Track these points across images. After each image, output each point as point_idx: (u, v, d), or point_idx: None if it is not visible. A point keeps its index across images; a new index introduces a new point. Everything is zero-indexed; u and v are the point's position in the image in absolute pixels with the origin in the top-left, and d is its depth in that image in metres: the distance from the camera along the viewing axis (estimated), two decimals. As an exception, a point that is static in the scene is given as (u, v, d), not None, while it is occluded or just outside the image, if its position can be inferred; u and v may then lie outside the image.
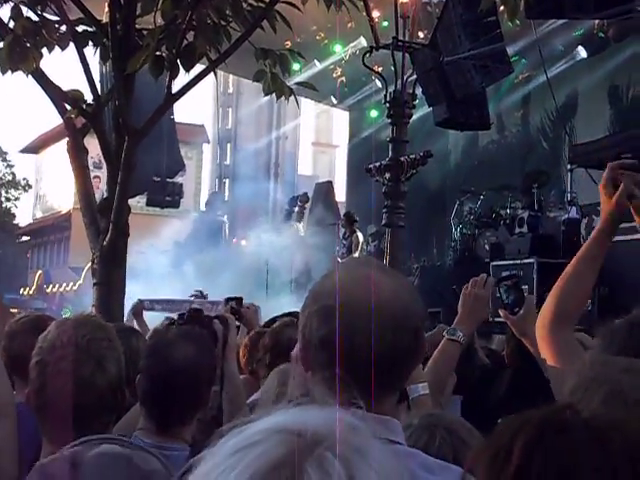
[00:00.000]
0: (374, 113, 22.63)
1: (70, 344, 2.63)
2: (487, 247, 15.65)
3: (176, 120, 21.59)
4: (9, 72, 7.12)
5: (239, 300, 5.65)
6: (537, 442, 1.18)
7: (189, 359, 3.20)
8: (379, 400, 1.97)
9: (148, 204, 23.14)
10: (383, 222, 7.27)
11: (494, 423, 2.61)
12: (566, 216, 13.91)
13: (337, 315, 1.92)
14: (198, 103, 45.19)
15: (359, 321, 1.91)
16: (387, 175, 7.20)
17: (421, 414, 2.71)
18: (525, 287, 12.56)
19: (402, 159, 7.12)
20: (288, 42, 14.42)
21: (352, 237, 16.63)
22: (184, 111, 44.43)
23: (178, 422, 3.09)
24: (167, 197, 22.42)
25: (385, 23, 15.24)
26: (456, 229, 16.79)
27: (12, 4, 7.26)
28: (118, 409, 2.75)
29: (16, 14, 7.18)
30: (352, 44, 20.04)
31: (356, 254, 16.38)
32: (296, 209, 27.10)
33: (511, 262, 13.30)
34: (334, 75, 21.28)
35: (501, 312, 3.69)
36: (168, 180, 22.06)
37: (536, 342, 3.57)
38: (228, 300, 5.64)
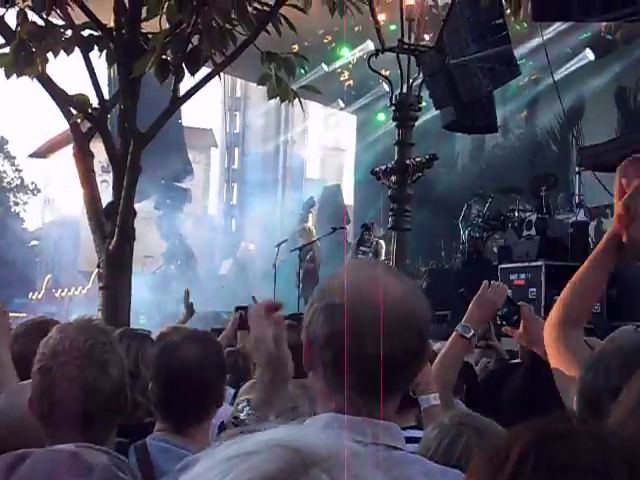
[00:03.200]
0: (381, 116, 22.61)
1: (73, 349, 2.62)
2: (495, 250, 15.62)
3: (184, 124, 21.66)
4: (15, 77, 7.13)
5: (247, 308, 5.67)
6: (535, 444, 1.17)
7: (196, 359, 3.25)
8: (380, 405, 1.95)
9: (156, 207, 23.19)
10: (389, 225, 7.26)
11: (508, 418, 2.60)
12: (574, 219, 13.88)
13: (344, 313, 1.90)
14: (206, 107, 45.30)
15: (365, 321, 1.89)
16: (393, 178, 7.19)
17: (454, 413, 2.71)
18: (533, 290, 12.56)
19: (408, 162, 7.10)
20: (295, 46, 14.46)
21: (377, 245, 16.71)
22: (192, 115, 44.48)
23: (193, 420, 3.14)
24: (174, 201, 22.50)
25: (393, 27, 15.26)
26: (464, 232, 16.77)
27: (18, 9, 7.26)
28: (122, 413, 2.75)
29: (22, 18, 7.19)
30: (359, 47, 20.04)
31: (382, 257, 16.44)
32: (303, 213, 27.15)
33: (519, 265, 13.28)
34: (341, 79, 21.28)
35: (504, 329, 3.70)
36: (175, 184, 22.13)
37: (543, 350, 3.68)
38: (237, 309, 5.67)
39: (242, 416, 2.21)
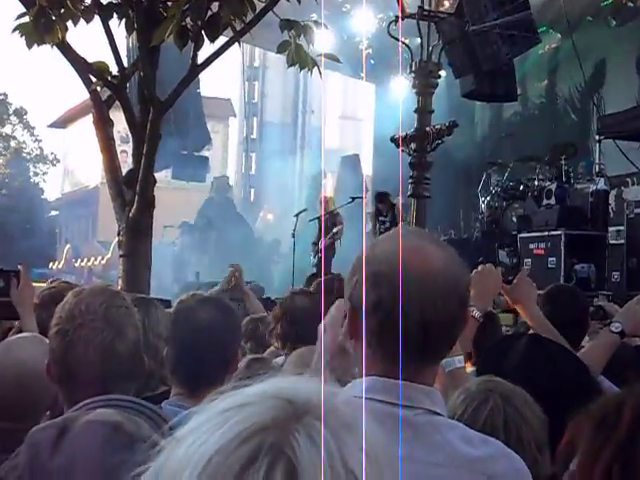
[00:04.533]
0: (400, 84, 22.48)
1: (89, 312, 2.62)
2: (514, 219, 15.58)
3: (202, 94, 21.61)
4: (35, 46, 7.13)
5: None
6: None
7: (212, 320, 3.27)
8: (422, 369, 2.00)
9: (173, 177, 23.19)
10: (409, 193, 7.24)
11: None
12: (594, 187, 13.82)
13: (388, 280, 1.93)
14: (224, 77, 45.21)
15: (409, 288, 1.92)
16: (413, 145, 7.16)
17: (481, 379, 2.73)
18: (553, 259, 12.54)
19: (428, 129, 7.07)
20: (314, 15, 14.38)
21: (393, 211, 16.60)
22: (210, 85, 44.45)
23: (207, 383, 3.15)
24: (193, 171, 22.48)
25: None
26: (483, 201, 16.71)
27: (37, -24, 7.25)
28: (137, 376, 2.76)
29: (41, -15, 7.18)
30: (378, 16, 19.91)
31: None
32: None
33: (539, 234, 13.25)
34: (360, 47, 21.16)
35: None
36: (195, 154, 22.10)
37: (527, 309, 3.93)
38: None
39: None
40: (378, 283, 1.95)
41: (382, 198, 17.31)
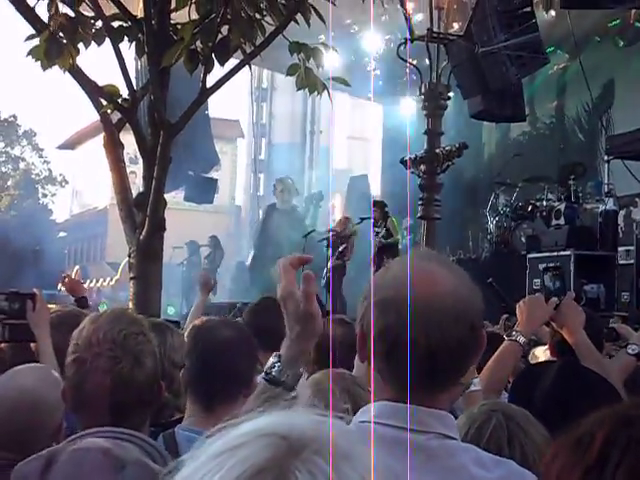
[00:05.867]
0: (408, 106, 22.54)
1: (107, 340, 2.61)
2: (523, 239, 15.57)
3: (210, 115, 21.65)
4: (47, 68, 7.17)
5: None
6: (621, 428, 1.18)
7: (229, 339, 3.30)
8: (434, 395, 1.99)
9: (185, 199, 23.19)
10: (419, 214, 7.23)
11: (542, 416, 2.62)
12: (603, 208, 13.81)
13: (396, 307, 1.94)
14: (232, 98, 45.32)
15: (416, 314, 1.92)
16: (422, 167, 7.17)
17: (484, 403, 2.73)
18: (560, 266, 12.52)
19: (437, 151, 7.07)
20: (322, 36, 14.44)
21: (386, 222, 16.51)
22: (219, 106, 44.57)
23: (222, 401, 3.17)
24: (201, 193, 22.47)
25: (419, 16, 15.19)
26: (492, 221, 16.70)
27: (48, 0, 7.30)
28: (155, 403, 2.76)
29: (52, 10, 7.23)
30: (386, 37, 19.98)
31: (397, 237, 16.28)
32: (311, 208, 27.11)
33: (548, 254, 13.23)
34: (368, 69, 21.23)
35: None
36: (203, 175, 22.11)
37: (572, 334, 3.85)
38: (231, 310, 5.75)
39: (274, 372, 2.21)
40: (386, 309, 1.96)
41: (375, 203, 17.21)
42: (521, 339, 3.68)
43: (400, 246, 16.77)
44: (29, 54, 7.12)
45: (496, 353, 3.60)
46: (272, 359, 2.24)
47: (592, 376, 3.24)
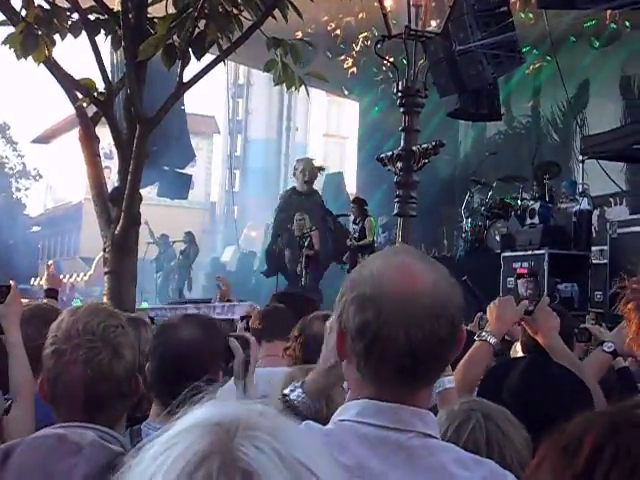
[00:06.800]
0: (385, 103, 22.58)
1: (86, 332, 2.61)
2: (498, 238, 15.62)
3: (187, 111, 21.60)
4: (21, 60, 7.11)
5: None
6: (610, 434, 1.17)
7: (194, 338, 3.26)
8: (415, 391, 1.96)
9: (159, 195, 23.14)
10: (395, 212, 7.22)
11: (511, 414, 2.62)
12: (577, 207, 13.88)
13: (374, 303, 1.91)
14: (209, 94, 45.25)
15: (395, 310, 1.89)
16: (399, 165, 7.16)
17: (463, 401, 2.72)
18: (536, 271, 12.57)
19: (414, 148, 7.08)
20: (299, 32, 14.42)
21: (364, 221, 16.47)
22: (195, 102, 44.51)
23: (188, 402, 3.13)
24: (176, 188, 22.43)
25: (396, 13, 15.16)
26: (467, 220, 16.76)
27: (24, -8, 7.25)
28: (133, 396, 2.75)
29: (28, 2, 7.18)
30: (363, 35, 19.98)
31: (370, 238, 16.25)
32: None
33: (522, 253, 13.28)
34: (345, 66, 21.23)
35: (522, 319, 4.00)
36: (177, 171, 22.06)
37: (546, 339, 3.90)
38: (242, 318, 5.72)
39: (292, 396, 2.19)
40: (364, 306, 1.92)
41: (354, 200, 17.15)
42: (492, 339, 3.69)
43: (376, 245, 16.77)
44: (4, 43, 7.07)
45: (467, 354, 3.61)
46: (295, 383, 2.21)
47: (559, 373, 3.26)
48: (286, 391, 2.20)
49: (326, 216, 18.25)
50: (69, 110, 8.06)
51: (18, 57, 7.05)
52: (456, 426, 2.53)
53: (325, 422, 2.01)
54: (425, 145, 7.03)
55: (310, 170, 18.65)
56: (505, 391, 3.05)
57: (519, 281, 12.41)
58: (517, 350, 5.48)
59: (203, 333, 3.33)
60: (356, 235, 16.39)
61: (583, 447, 1.16)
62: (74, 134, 8.05)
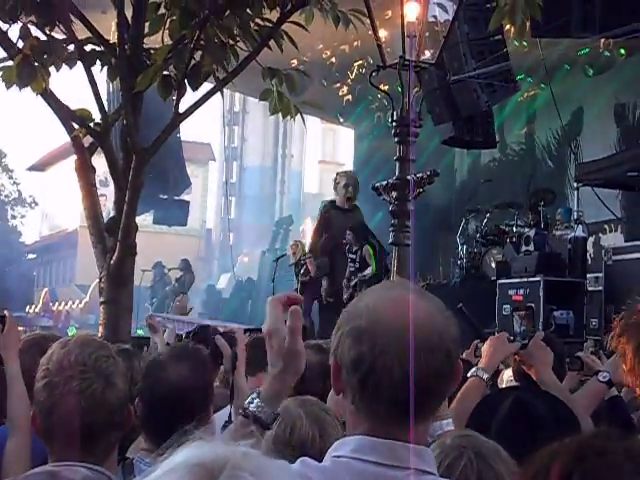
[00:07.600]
0: (380, 130, 22.64)
1: (78, 363, 2.62)
2: (493, 265, 15.61)
3: (182, 138, 21.65)
4: (16, 90, 7.12)
5: (259, 331, 5.74)
6: (576, 463, 1.18)
7: (181, 380, 3.26)
8: (410, 427, 1.94)
9: (155, 222, 23.13)
10: (390, 240, 7.27)
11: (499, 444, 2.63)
12: (573, 234, 13.89)
13: (369, 337, 1.91)
14: (204, 121, 45.31)
15: (390, 344, 1.89)
16: (394, 194, 7.21)
17: (456, 434, 2.72)
18: (531, 305, 12.56)
19: (409, 178, 7.12)
20: (294, 60, 14.48)
21: (362, 250, 16.29)
22: (190, 129, 44.55)
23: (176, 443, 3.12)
24: (174, 215, 22.43)
25: (391, 42, 15.25)
26: (462, 247, 16.76)
27: (21, 24, 7.28)
28: (125, 425, 2.76)
29: (25, 34, 7.21)
30: (358, 63, 20.06)
31: (368, 270, 16.03)
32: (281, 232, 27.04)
33: (517, 280, 13.28)
34: (340, 93, 21.31)
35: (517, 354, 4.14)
36: (175, 198, 22.08)
37: (539, 374, 3.98)
38: (246, 331, 5.71)
39: (252, 407, 2.20)
40: (359, 338, 1.91)
41: (352, 228, 16.83)
42: (484, 375, 3.80)
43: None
44: (2, 77, 7.08)
45: (461, 390, 3.64)
46: (251, 395, 2.22)
47: (545, 412, 3.24)
48: (245, 404, 2.20)
49: (368, 236, 17.36)
50: (65, 138, 8.08)
51: (8, 87, 7.03)
52: (448, 463, 2.51)
53: (318, 453, 2.01)
54: (420, 174, 7.08)
55: (354, 185, 17.25)
56: (492, 431, 3.05)
57: (514, 315, 12.40)
58: (503, 379, 5.54)
59: (187, 371, 3.33)
60: (357, 265, 16.12)
61: (550, 476, 1.17)
62: (70, 162, 8.06)
